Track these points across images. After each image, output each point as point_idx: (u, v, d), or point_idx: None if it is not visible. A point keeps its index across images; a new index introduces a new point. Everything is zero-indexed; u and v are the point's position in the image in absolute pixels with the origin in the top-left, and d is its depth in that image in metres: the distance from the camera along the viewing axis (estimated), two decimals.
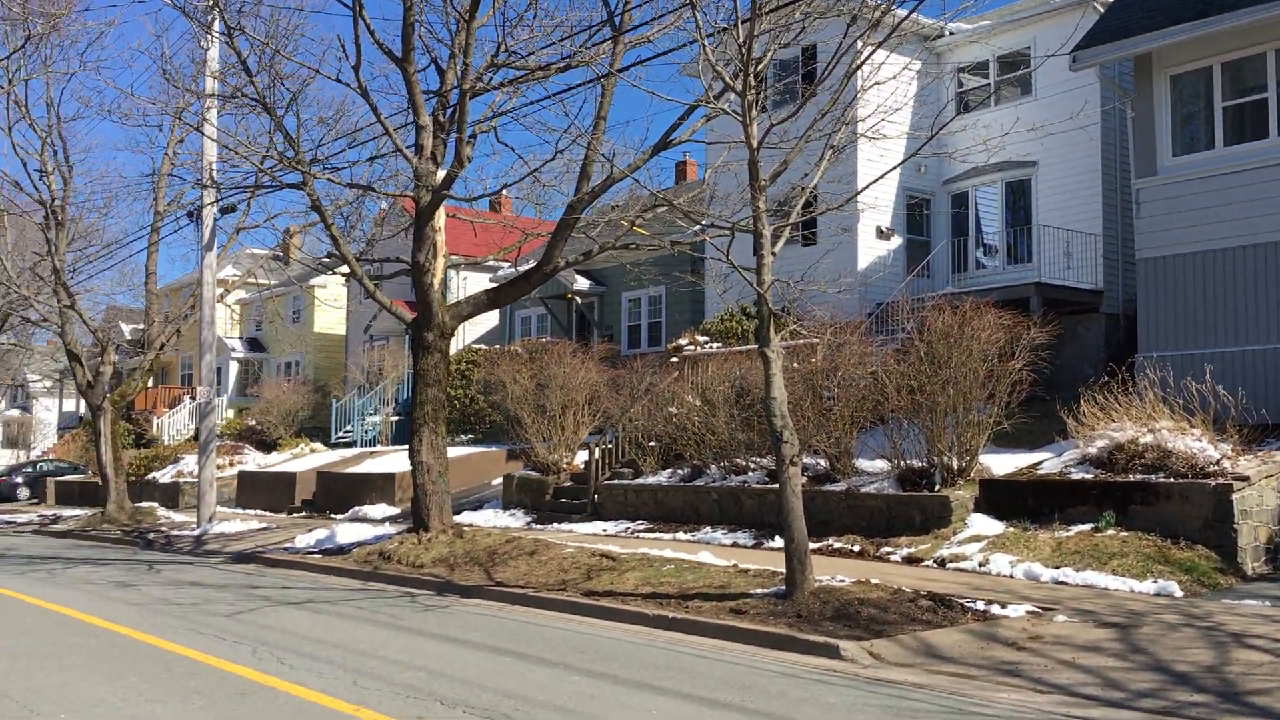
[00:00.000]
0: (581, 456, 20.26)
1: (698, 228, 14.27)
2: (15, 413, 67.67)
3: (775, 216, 12.29)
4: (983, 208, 23.17)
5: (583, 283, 29.71)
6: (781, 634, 9.44)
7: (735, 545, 14.99)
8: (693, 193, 19.72)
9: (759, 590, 10.97)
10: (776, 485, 11.19)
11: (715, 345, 20.46)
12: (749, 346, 19.12)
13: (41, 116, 25.85)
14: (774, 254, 10.93)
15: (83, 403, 33.31)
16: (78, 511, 31.15)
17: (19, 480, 42.90)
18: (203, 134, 20.46)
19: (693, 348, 20.33)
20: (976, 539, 12.99)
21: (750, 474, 16.72)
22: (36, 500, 40.13)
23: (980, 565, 12.31)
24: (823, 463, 15.61)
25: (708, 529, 16.07)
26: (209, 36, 19.59)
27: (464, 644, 9.49)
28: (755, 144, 10.79)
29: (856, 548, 13.78)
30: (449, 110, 15.95)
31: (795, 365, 15.85)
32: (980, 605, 10.19)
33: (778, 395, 10.79)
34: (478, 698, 7.35)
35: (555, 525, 18.23)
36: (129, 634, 10.16)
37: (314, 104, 37.16)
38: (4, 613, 11.99)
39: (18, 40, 15.79)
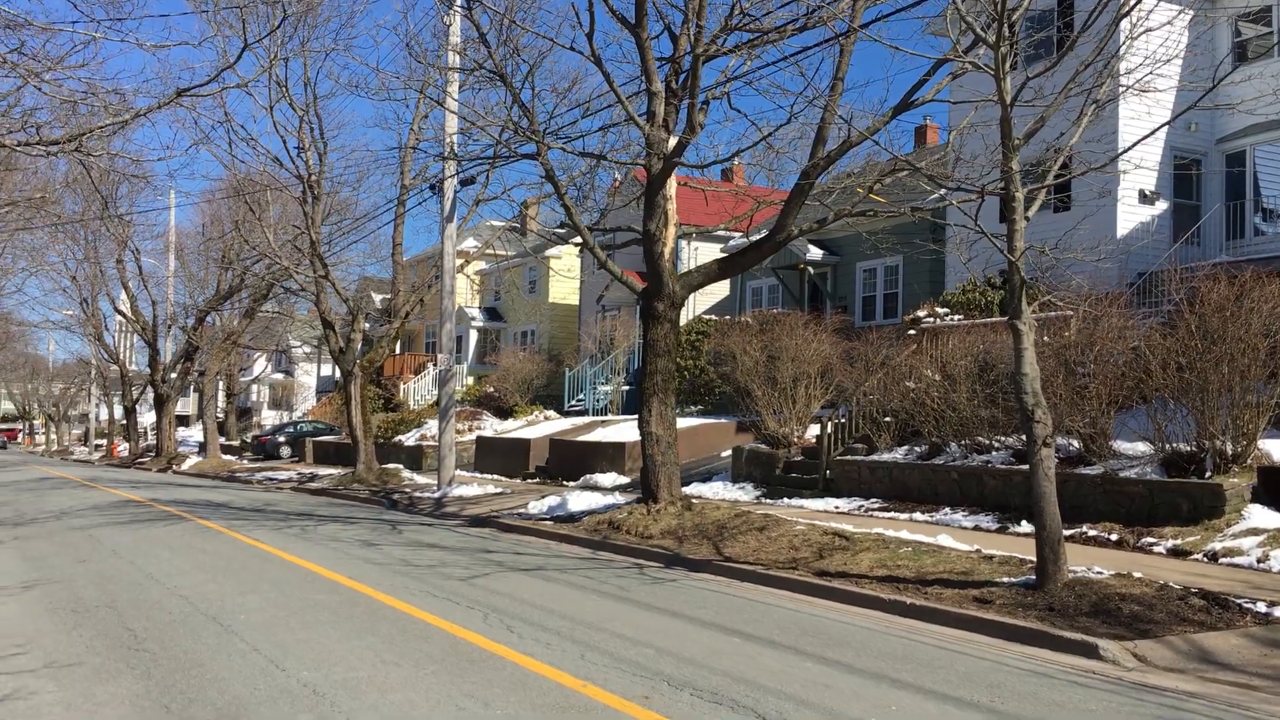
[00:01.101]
0: (813, 430, 19.74)
1: (942, 192, 13.45)
2: (279, 376, 72.83)
3: (1027, 179, 11.37)
4: (1262, 168, 21.03)
5: (815, 252, 29.00)
6: (1032, 628, 8.73)
7: (977, 529, 14.15)
8: (934, 157, 18.75)
9: (1005, 579, 10.23)
10: (1022, 466, 10.42)
11: (956, 317, 19.45)
12: (993, 319, 18.05)
13: (299, 95, 27.32)
14: (1027, 219, 10.11)
15: (337, 368, 35.25)
16: (331, 471, 33.06)
17: (281, 440, 46.06)
18: (444, 107, 21.03)
19: (931, 320, 19.40)
20: (1254, 532, 11.73)
21: (994, 453, 15.77)
22: (296, 458, 42.96)
23: (1259, 561, 11.09)
24: (1075, 444, 14.51)
25: (946, 510, 15.27)
26: (450, 11, 20.05)
27: (691, 621, 9.25)
28: (1009, 100, 9.97)
29: (1114, 537, 12.73)
30: (681, 76, 15.68)
31: (1045, 339, 14.77)
32: (1261, 607, 9.11)
33: (1029, 371, 9.99)
34: (705, 680, 7.07)
35: (785, 500, 17.81)
36: (370, 594, 10.46)
37: (549, 75, 37.80)
38: (258, 567, 12.65)
39: (275, 20, 16.55)
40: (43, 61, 13.64)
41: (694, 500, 16.21)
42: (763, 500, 18.14)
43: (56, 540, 16.02)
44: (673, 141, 15.53)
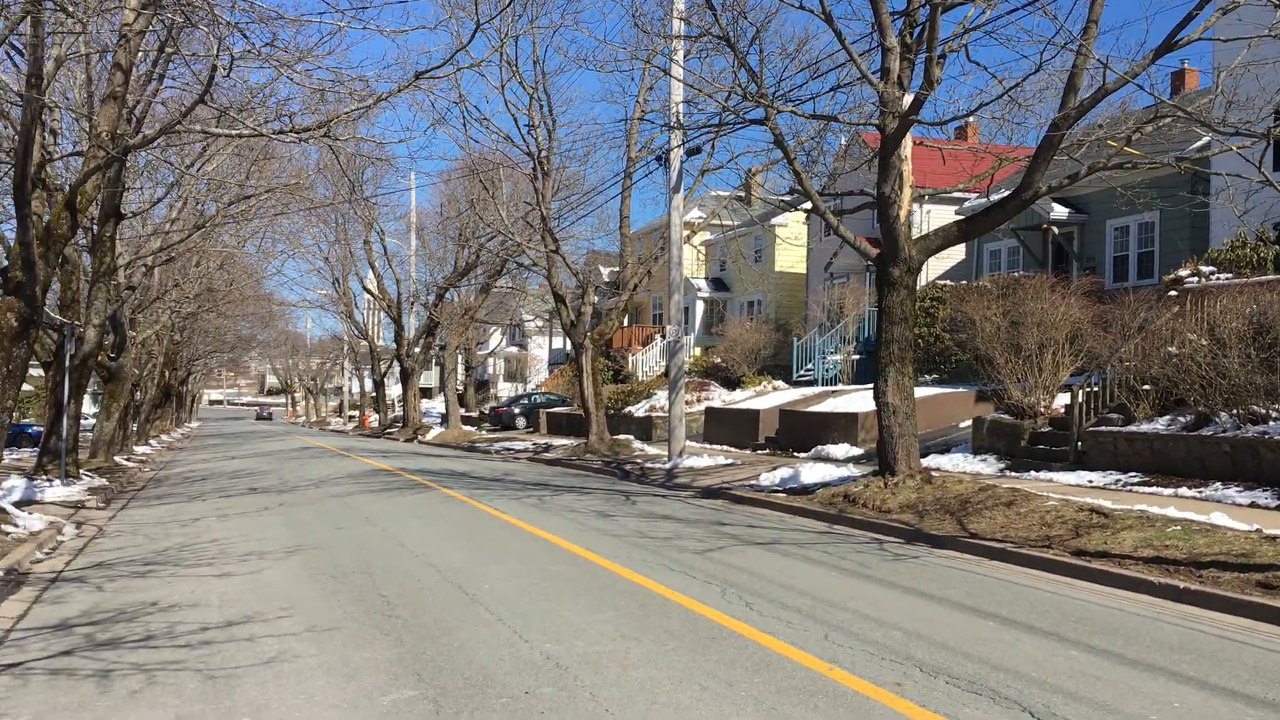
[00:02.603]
0: (1061, 400, 18.61)
1: (1213, 137, 12.25)
2: (514, 349, 75.32)
3: None
4: None
5: (1060, 211, 27.34)
6: None
7: (1254, 506, 12.91)
8: (1195, 103, 17.21)
9: None
10: None
11: (1223, 276, 17.83)
12: (1269, 277, 16.44)
13: (529, 73, 27.86)
14: None
15: (567, 341, 36.04)
16: (564, 441, 33.85)
17: (517, 411, 47.62)
18: (670, 76, 20.91)
19: (1195, 279, 17.86)
20: None
21: (1271, 423, 14.36)
22: (531, 429, 44.29)
23: None
24: None
25: (1217, 485, 14.03)
26: None
27: (940, 601, 8.77)
28: None
29: None
30: (917, 29, 14.92)
31: None
32: None
33: None
34: (960, 667, 6.64)
35: (1032, 474, 16.86)
36: (607, 566, 10.48)
37: (775, 37, 37.10)
38: (500, 538, 12.94)
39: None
40: (293, 53, 14.30)
41: (933, 473, 15.56)
42: (1007, 473, 17.24)
43: (316, 507, 16.98)
44: (908, 99, 14.83)
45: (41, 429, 27.17)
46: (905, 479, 14.77)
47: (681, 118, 21.27)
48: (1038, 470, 17.00)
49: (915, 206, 30.31)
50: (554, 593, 9.10)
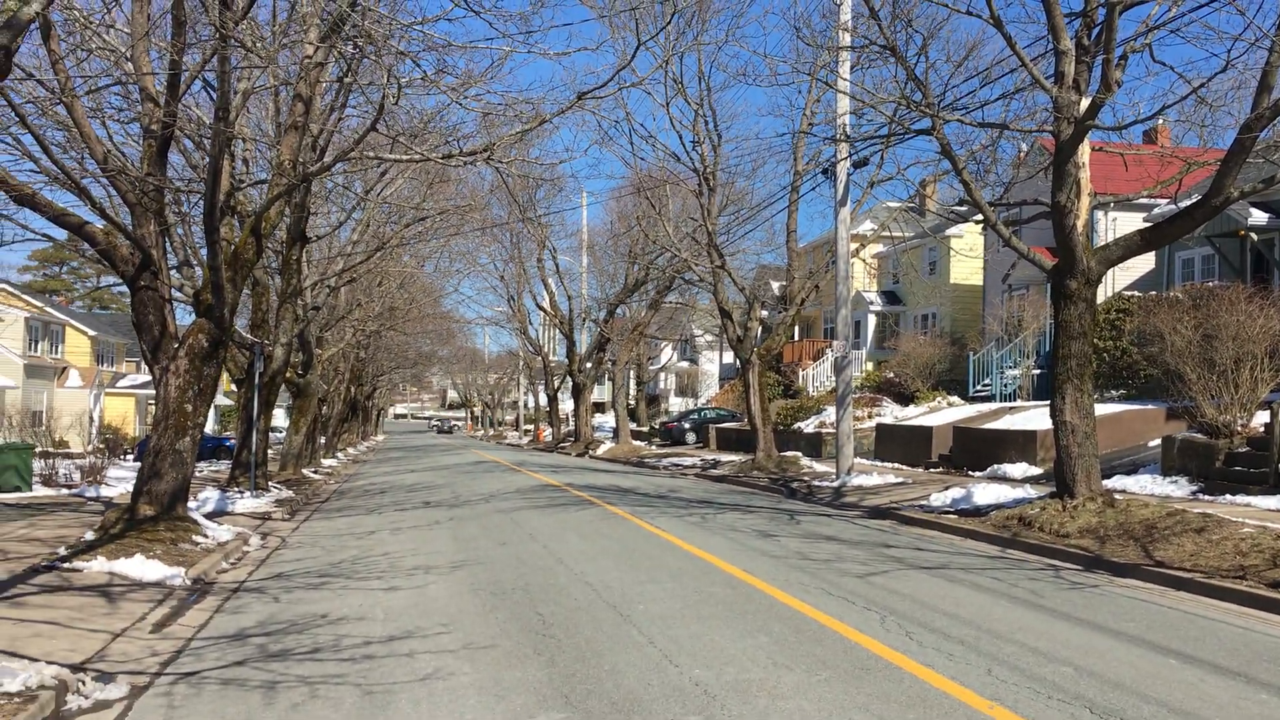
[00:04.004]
0: (1260, 418, 17.36)
1: None
2: (684, 364, 75.58)
3: None
4: None
5: (1259, 216, 25.60)
6: None
7: None
8: None
9: None
10: None
11: None
12: None
13: (694, 90, 27.95)
14: None
15: (735, 356, 35.85)
16: (732, 457, 33.68)
17: (686, 426, 47.70)
18: (835, 89, 20.60)
19: None
20: None
21: None
22: (700, 444, 44.28)
23: None
24: None
25: None
26: None
27: (1117, 635, 8.25)
28: None
29: None
30: (1094, 31, 14.23)
31: None
32: None
33: None
34: (1136, 710, 6.20)
35: (1226, 497, 15.77)
36: (764, 588, 10.30)
37: (943, 45, 36.18)
38: (658, 556, 12.91)
39: (667, 16, 16.89)
40: (463, 79, 14.70)
41: (1116, 495, 14.73)
42: (1199, 496, 16.18)
43: (483, 522, 17.34)
44: (1084, 103, 14.14)
45: (236, 442, 28.74)
46: (1085, 502, 14.04)
47: (847, 130, 20.92)
48: (1233, 494, 15.90)
49: (1097, 215, 28.99)
50: (708, 615, 8.99)
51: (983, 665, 7.22)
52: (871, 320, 47.05)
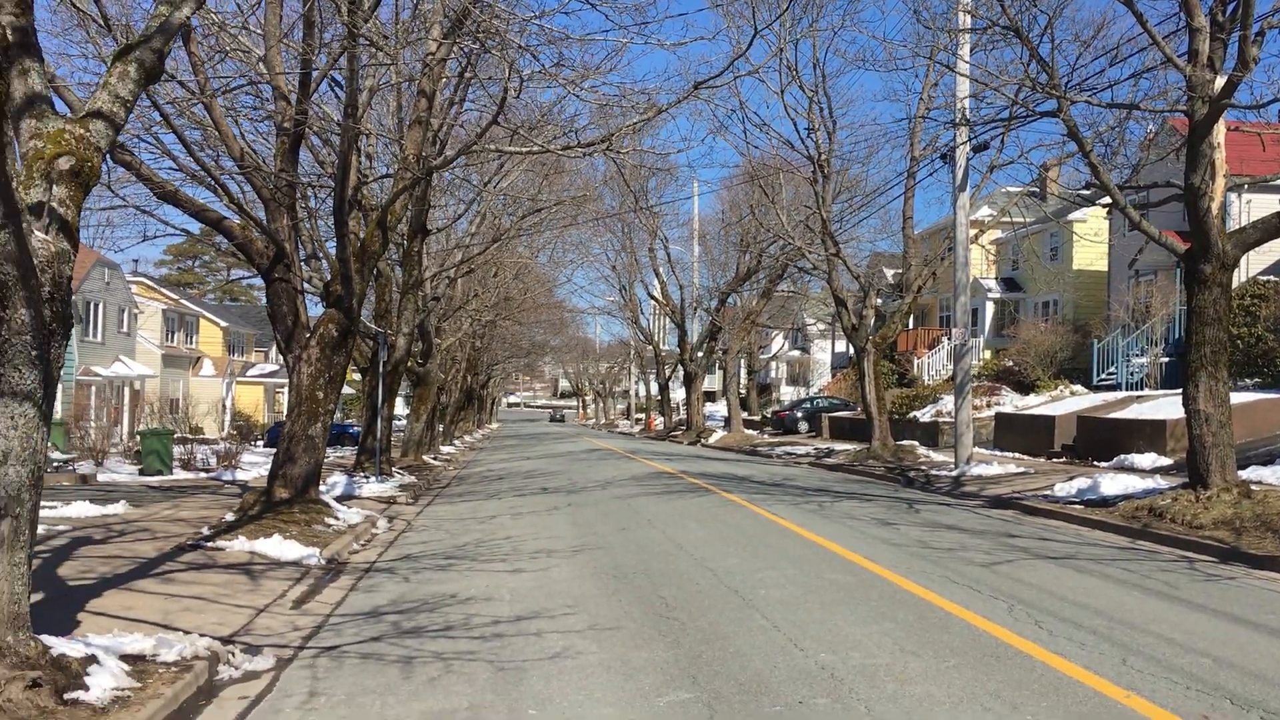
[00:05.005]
0: None
1: None
2: (796, 353, 75.10)
3: None
4: None
5: None
6: None
7: None
8: None
9: None
10: None
11: None
12: None
13: (808, 77, 27.75)
14: None
15: (849, 344, 35.53)
16: (847, 446, 33.41)
17: (799, 415, 47.46)
18: (955, 71, 20.25)
19: None
20: None
21: None
22: (813, 433, 44.01)
23: None
24: None
25: None
26: None
27: (1256, 628, 8.01)
28: None
29: None
30: (1230, 6, 13.73)
31: None
32: None
33: None
34: (1279, 700, 6.04)
35: None
36: (885, 575, 10.25)
37: (1069, 24, 35.19)
38: (777, 543, 12.93)
39: (784, 4, 16.83)
40: (579, 71, 14.88)
41: (1253, 486, 14.23)
42: None
43: (601, 508, 17.58)
44: (1219, 82, 13.66)
45: (360, 429, 29.62)
46: (1219, 493, 13.59)
47: (967, 113, 20.55)
48: None
49: (1231, 197, 27.90)
50: (830, 601, 9.00)
51: (1117, 655, 7.09)
52: (989, 308, 46.09)
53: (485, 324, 43.15)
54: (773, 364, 76.95)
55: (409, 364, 27.64)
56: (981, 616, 8.27)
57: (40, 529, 6.71)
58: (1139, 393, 28.13)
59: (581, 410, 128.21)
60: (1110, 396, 28.35)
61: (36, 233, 6.22)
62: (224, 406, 55.11)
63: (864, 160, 43.74)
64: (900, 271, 30.89)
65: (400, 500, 19.65)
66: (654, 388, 73.20)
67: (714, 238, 51.98)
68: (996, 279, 47.07)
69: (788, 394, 71.36)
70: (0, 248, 5.73)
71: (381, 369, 23.97)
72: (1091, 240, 35.71)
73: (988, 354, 42.39)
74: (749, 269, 45.00)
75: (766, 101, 69.23)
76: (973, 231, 26.28)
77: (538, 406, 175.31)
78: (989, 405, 32.53)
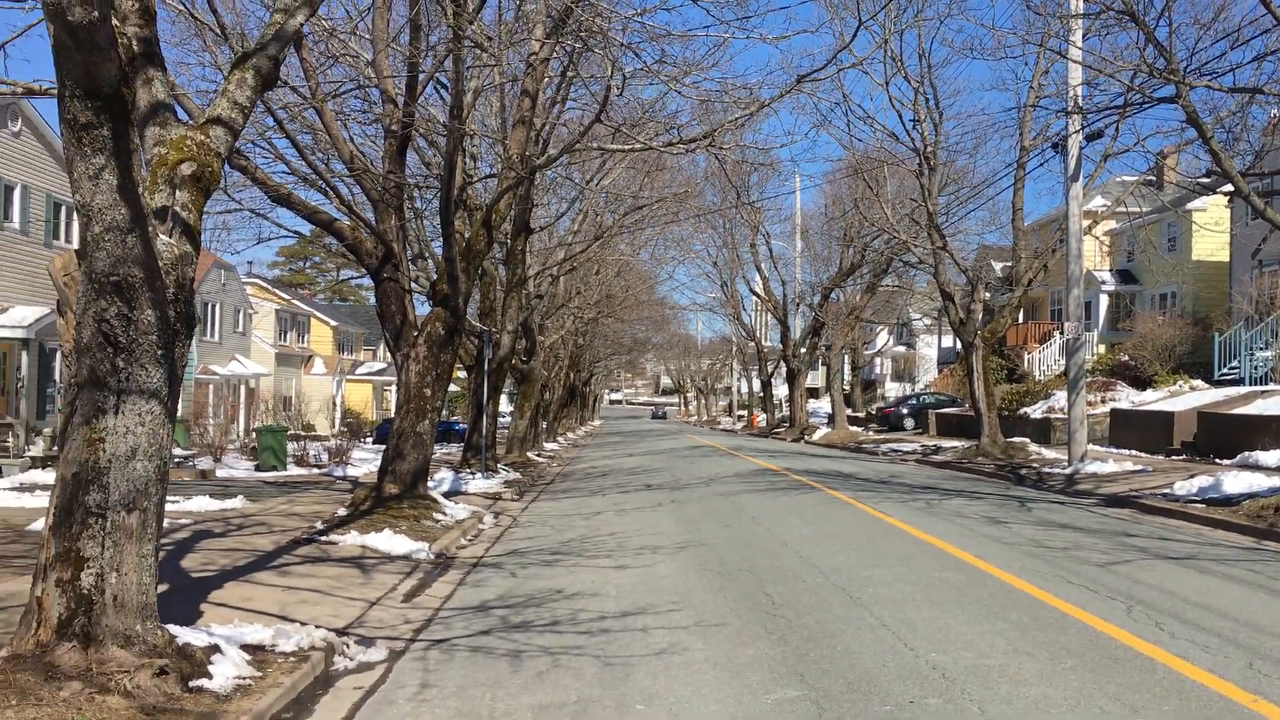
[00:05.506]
0: None
1: None
2: (901, 349, 74.01)
3: None
4: None
5: None
6: None
7: None
8: None
9: None
10: None
11: None
12: None
13: (914, 67, 27.31)
14: None
15: (957, 339, 34.87)
16: (954, 443, 32.79)
17: (904, 411, 46.73)
18: (1066, 58, 19.71)
19: None
20: None
21: None
22: (920, 430, 43.29)
23: None
24: None
25: None
26: None
27: None
28: None
29: None
30: None
31: None
32: None
33: None
34: None
35: None
36: (997, 575, 10.03)
37: (1188, 6, 34.02)
38: (884, 541, 12.76)
39: None
40: (681, 67, 14.87)
41: None
42: None
43: (704, 505, 17.56)
44: None
45: (466, 426, 30.08)
46: None
47: (1080, 101, 19.98)
48: None
49: None
50: (940, 600, 8.84)
51: (1243, 659, 6.82)
52: (1103, 301, 44.77)
53: (587, 321, 43.47)
54: (877, 360, 75.90)
55: (513, 362, 27.99)
56: (1099, 617, 8.04)
57: (164, 523, 6.95)
58: (1264, 388, 27.02)
59: (683, 407, 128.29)
60: (1233, 392, 27.29)
61: (161, 236, 6.45)
62: (334, 404, 56.52)
63: (971, 151, 42.91)
64: (1009, 264, 30.23)
65: (505, 496, 19.91)
66: (756, 384, 72.84)
67: (816, 232, 51.51)
68: (1111, 271, 45.70)
69: (893, 390, 70.36)
70: (128, 251, 5.96)
71: (486, 367, 24.31)
72: (1212, 230, 34.42)
73: (1102, 348, 41.18)
74: (852, 264, 44.48)
75: (870, 94, 68.83)
76: (1086, 222, 25.56)
77: (639, 403, 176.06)
78: (1104, 401, 31.60)
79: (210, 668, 6.27)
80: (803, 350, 51.23)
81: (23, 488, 17.73)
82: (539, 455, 34.22)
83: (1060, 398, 32.34)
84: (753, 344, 62.81)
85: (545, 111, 19.93)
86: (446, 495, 17.40)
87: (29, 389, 23.31)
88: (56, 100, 5.84)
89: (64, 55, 5.48)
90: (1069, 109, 20.00)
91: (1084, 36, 20.07)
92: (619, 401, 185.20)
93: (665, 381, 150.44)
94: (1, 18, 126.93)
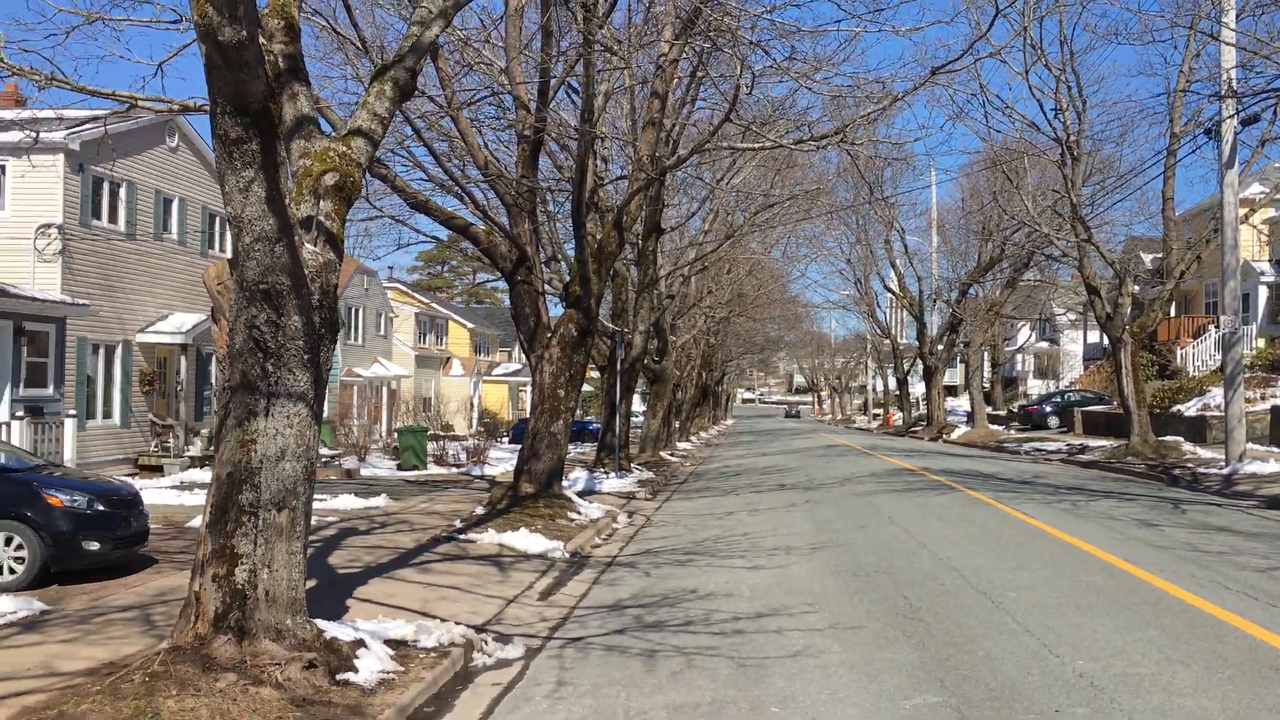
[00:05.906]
0: None
1: None
2: (1044, 345, 71.73)
3: None
4: None
5: None
6: None
7: None
8: None
9: None
10: None
11: None
12: None
13: (1054, 55, 26.41)
14: None
15: (1103, 335, 33.65)
16: (1102, 442, 31.65)
17: (1048, 410, 45.25)
18: (1219, 40, 18.81)
19: None
20: None
21: None
22: (1064, 429, 41.89)
23: None
24: None
25: None
26: None
27: None
28: None
29: None
30: None
31: None
32: None
33: None
34: None
35: None
36: (1149, 579, 9.63)
37: None
38: (1027, 544, 12.39)
39: None
40: (811, 63, 14.71)
41: None
42: None
43: (839, 505, 17.35)
44: None
45: (599, 426, 30.37)
46: None
47: (1234, 84, 19.05)
48: None
49: None
50: (1086, 605, 8.53)
51: None
52: (1262, 292, 42.57)
53: (719, 321, 43.36)
54: (1018, 356, 73.74)
55: (645, 361, 28.13)
56: (1259, 625, 7.65)
57: (312, 520, 7.21)
58: None
59: (817, 406, 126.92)
60: None
61: (306, 245, 6.69)
62: (471, 404, 57.75)
63: (1117, 140, 40.95)
64: (1159, 256, 29.00)
65: (639, 496, 20.02)
66: (892, 382, 71.63)
67: (953, 227, 50.32)
68: (1270, 261, 43.41)
69: (1035, 388, 68.23)
70: (276, 259, 6.21)
71: (619, 367, 24.49)
72: None
73: (1261, 343, 39.18)
74: (991, 258, 43.30)
75: (1009, 83, 66.65)
76: (1242, 211, 24.36)
77: (772, 402, 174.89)
78: (1263, 398, 30.07)
79: (356, 661, 6.47)
80: (940, 347, 50.13)
81: (182, 486, 18.63)
82: (672, 455, 34.31)
83: (1215, 395, 30.92)
84: (888, 341, 61.74)
85: (675, 112, 19.95)
86: (581, 494, 17.59)
87: (187, 391, 24.50)
88: (209, 116, 6.11)
89: (215, 73, 5.73)
90: (1222, 93, 19.09)
91: (1237, 17, 19.14)
92: (752, 400, 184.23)
93: (798, 380, 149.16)
94: (157, 38, 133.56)
